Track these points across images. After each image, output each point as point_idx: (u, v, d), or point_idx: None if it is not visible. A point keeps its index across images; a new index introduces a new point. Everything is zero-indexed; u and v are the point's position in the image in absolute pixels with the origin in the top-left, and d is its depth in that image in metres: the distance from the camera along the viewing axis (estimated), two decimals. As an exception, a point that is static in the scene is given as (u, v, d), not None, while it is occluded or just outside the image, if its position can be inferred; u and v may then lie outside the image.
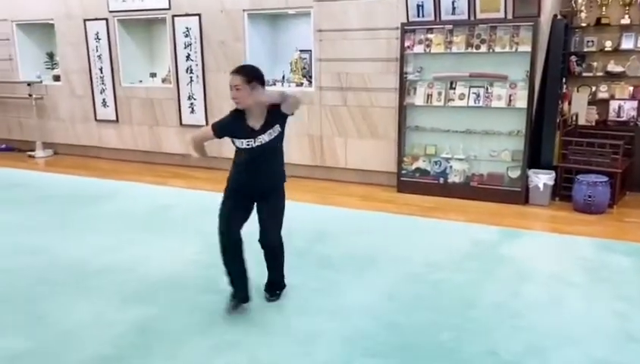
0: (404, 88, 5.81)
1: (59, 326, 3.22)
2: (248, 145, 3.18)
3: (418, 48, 5.70)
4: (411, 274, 3.87)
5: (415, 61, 5.79)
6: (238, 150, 3.28)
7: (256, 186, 3.34)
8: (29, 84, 8.24)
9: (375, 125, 6.16)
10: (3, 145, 8.87)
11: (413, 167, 5.97)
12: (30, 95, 8.23)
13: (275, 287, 3.58)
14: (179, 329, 3.20)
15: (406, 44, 5.71)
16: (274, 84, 6.89)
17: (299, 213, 5.31)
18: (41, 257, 4.23)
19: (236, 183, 3.37)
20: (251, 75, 3.08)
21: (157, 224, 5.10)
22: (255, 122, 3.17)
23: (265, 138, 3.18)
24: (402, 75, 5.76)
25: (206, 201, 5.79)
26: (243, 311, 3.38)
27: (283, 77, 6.93)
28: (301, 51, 6.81)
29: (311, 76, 6.75)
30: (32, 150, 8.44)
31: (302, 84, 6.71)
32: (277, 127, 3.20)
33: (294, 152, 6.66)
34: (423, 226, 4.97)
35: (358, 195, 5.97)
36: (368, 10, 5.90)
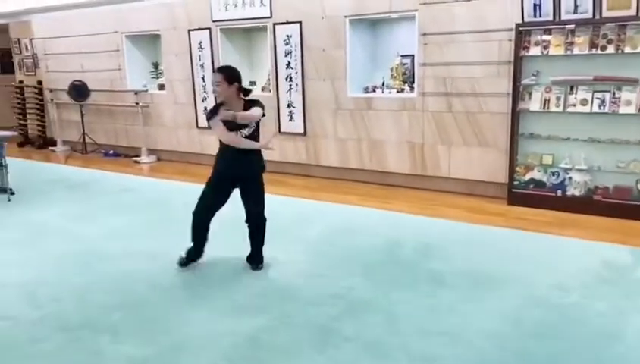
0: (518, 93, 5.42)
1: (174, 335, 3.21)
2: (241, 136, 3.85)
3: (535, 51, 5.30)
4: (536, 297, 3.53)
5: (530, 64, 5.39)
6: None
7: (238, 172, 3.97)
8: (135, 93, 8.62)
9: (483, 132, 5.81)
10: (111, 151, 9.34)
11: (527, 177, 5.55)
12: (137, 104, 8.60)
13: (258, 259, 4.13)
14: (291, 342, 3.09)
15: (521, 46, 5.33)
16: (374, 90, 6.72)
17: (403, 223, 5.12)
18: (155, 262, 4.29)
19: (222, 167, 4.01)
20: (229, 73, 3.81)
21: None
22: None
23: (244, 132, 3.85)
24: (516, 79, 5.38)
25: (306, 210, 5.75)
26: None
27: (383, 83, 6.74)
28: (402, 56, 6.60)
29: (412, 82, 6.52)
30: (138, 156, 8.81)
31: (402, 90, 6.49)
32: (253, 124, 3.86)
33: (392, 159, 6.46)
34: (541, 243, 4.57)
35: (464, 206, 5.65)
36: (478, 12, 5.59)
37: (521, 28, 5.31)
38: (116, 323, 3.36)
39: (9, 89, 10.83)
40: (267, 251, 4.36)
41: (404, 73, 6.64)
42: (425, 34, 5.96)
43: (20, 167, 8.35)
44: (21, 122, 10.68)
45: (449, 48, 5.84)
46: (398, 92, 6.48)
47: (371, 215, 5.44)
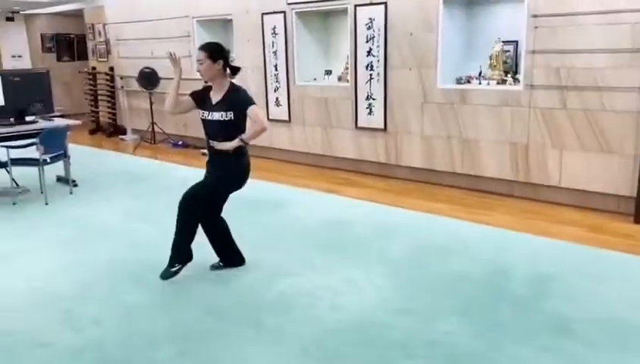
0: (655, 88, 4.41)
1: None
2: (203, 116, 3.54)
3: (682, 35, 4.26)
4: None
5: (675, 52, 4.36)
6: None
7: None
8: (206, 81, 8.12)
9: (606, 135, 4.81)
10: (180, 142, 8.96)
11: (661, 192, 4.54)
12: (206, 93, 8.12)
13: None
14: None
15: (664, 29, 4.30)
16: (468, 81, 5.83)
17: (506, 244, 4.25)
18: (214, 279, 3.71)
19: (245, 171, 3.68)
20: (212, 50, 3.49)
21: (334, 244, 4.36)
22: (215, 96, 3.52)
23: (215, 115, 3.45)
24: (655, 71, 4.37)
25: (387, 218, 5.01)
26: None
27: (480, 74, 5.83)
28: (504, 42, 5.66)
29: (515, 72, 5.58)
30: (205, 147, 8.34)
31: (504, 81, 5.56)
32: (231, 114, 3.43)
33: (489, 162, 5.57)
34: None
35: (581, 224, 4.69)
36: (607, -12, 4.59)
37: (666, 7, 4.27)
38: (164, 360, 2.78)
39: (83, 75, 10.74)
40: (342, 268, 3.68)
41: (505, 62, 5.71)
42: (536, 16, 5.00)
43: (89, 156, 8.15)
44: (93, 109, 10.56)
45: (566, 33, 4.87)
46: (498, 83, 5.56)
47: (465, 230, 4.61)
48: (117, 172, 7.10)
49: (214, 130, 3.50)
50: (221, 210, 3.78)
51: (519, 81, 5.39)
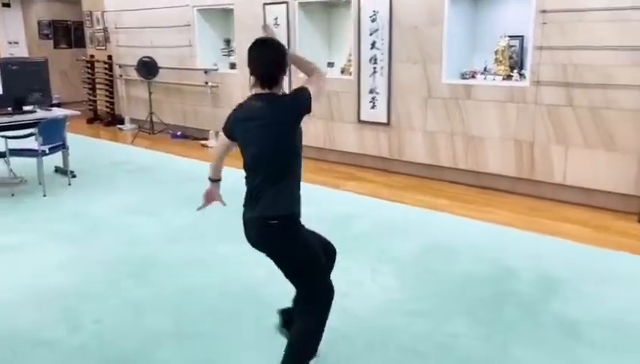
0: (664, 86, 4.35)
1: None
2: None
3: (693, 33, 4.20)
4: None
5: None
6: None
7: None
8: (205, 72, 8.05)
9: (611, 133, 4.76)
10: (179, 133, 8.87)
11: (667, 192, 4.50)
12: (206, 83, 8.04)
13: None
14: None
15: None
16: (473, 76, 5.77)
17: (512, 242, 4.22)
18: (216, 276, 3.66)
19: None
20: (284, 54, 2.38)
21: (337, 241, 4.24)
22: None
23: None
24: (664, 69, 4.31)
25: (390, 214, 4.95)
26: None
27: (485, 69, 5.76)
28: (509, 37, 5.59)
29: (521, 68, 5.52)
30: (205, 139, 8.28)
31: (510, 77, 5.49)
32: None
33: (493, 159, 5.52)
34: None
35: (584, 223, 4.65)
36: (618, -16, 4.52)
37: (678, 4, 4.21)
38: (165, 360, 2.74)
39: (80, 63, 10.61)
40: (349, 269, 3.63)
41: (510, 58, 5.64)
42: (544, 11, 4.93)
43: (87, 146, 8.05)
44: (91, 97, 10.44)
45: (574, 29, 4.80)
46: (504, 79, 5.50)
47: (470, 228, 4.57)
48: (115, 163, 7.02)
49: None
50: None
51: (524, 77, 5.33)
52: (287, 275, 2.44)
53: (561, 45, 4.89)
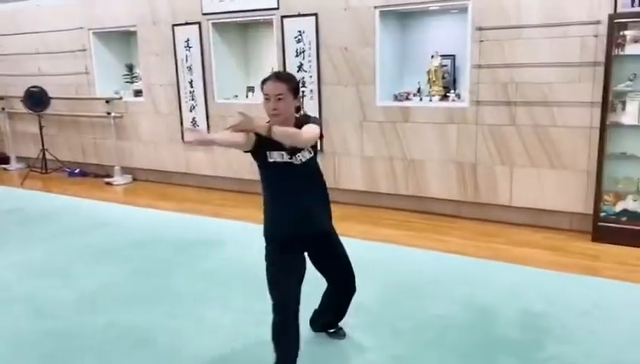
0: (607, 102, 4.30)
1: None
2: (282, 160, 2.51)
3: (632, 49, 4.19)
4: None
5: (625, 66, 4.28)
6: (271, 175, 2.57)
7: (309, 226, 2.64)
8: (107, 101, 7.18)
9: (558, 151, 4.67)
10: (77, 170, 7.86)
11: (617, 208, 4.44)
12: (108, 114, 7.17)
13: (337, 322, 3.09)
14: None
15: (615, 43, 4.21)
16: (407, 98, 5.50)
17: (476, 274, 3.92)
18: (151, 349, 2.96)
19: (282, 228, 2.61)
20: (295, 83, 2.62)
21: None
22: None
23: (305, 154, 2.57)
24: (607, 85, 4.26)
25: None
26: None
27: (419, 90, 5.53)
28: (442, 56, 5.41)
29: (454, 88, 5.35)
30: (109, 176, 7.38)
31: (446, 97, 5.30)
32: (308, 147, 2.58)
33: (435, 183, 5.27)
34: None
35: (539, 245, 4.48)
36: (554, 0, 4.45)
37: (616, 20, 4.18)
38: None
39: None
40: (303, 319, 3.10)
41: (443, 77, 5.46)
42: (480, 28, 4.78)
43: (-37, 194, 6.84)
44: (-33, 135, 9.04)
45: (513, 47, 4.68)
46: (441, 100, 5.29)
47: (427, 260, 4.22)
48: (4, 211, 5.97)
49: (300, 174, 2.59)
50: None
51: (461, 97, 5.15)
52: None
53: (500, 62, 4.75)
